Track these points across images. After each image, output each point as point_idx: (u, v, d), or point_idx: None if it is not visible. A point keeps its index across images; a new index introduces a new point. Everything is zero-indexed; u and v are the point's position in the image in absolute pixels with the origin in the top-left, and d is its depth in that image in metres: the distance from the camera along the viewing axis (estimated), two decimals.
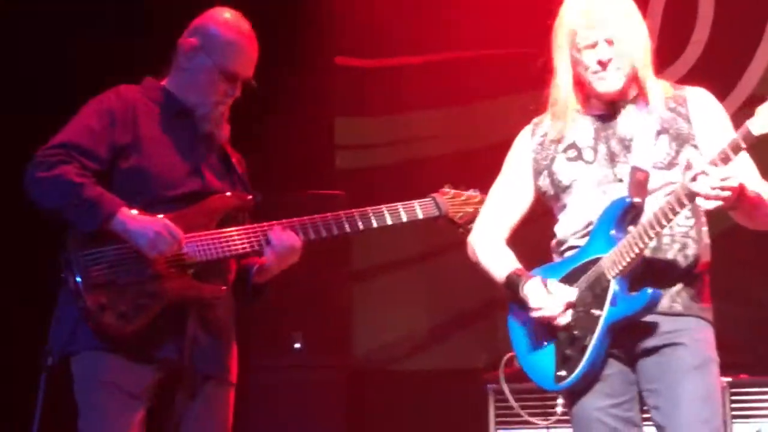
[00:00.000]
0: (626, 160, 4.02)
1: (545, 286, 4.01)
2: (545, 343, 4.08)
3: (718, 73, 4.49)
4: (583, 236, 4.06)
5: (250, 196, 4.31)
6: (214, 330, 4.21)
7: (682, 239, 4.00)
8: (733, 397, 5.49)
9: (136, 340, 4.01)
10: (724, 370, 4.29)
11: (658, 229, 3.85)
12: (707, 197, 3.71)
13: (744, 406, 5.52)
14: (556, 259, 4.15)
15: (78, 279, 3.97)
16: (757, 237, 4.57)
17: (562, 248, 4.13)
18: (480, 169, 6.79)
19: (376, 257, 6.98)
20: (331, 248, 5.97)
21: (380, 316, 6.97)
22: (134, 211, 4.04)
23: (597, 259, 3.97)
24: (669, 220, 3.83)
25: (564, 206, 4.14)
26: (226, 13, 4.35)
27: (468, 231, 4.40)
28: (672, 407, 3.92)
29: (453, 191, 4.52)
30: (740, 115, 3.93)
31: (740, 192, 3.73)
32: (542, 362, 4.09)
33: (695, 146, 4.01)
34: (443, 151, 7.15)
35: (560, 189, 4.13)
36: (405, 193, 6.81)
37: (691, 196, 3.74)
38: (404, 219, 4.41)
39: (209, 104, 4.26)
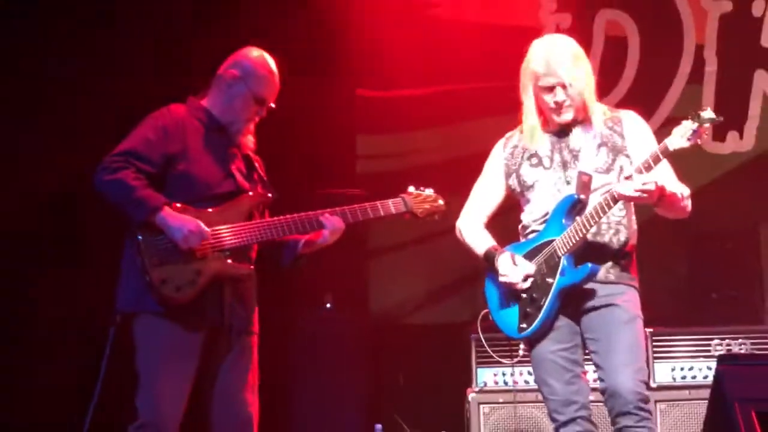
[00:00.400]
0: (574, 167, 4.10)
1: (512, 259, 4.12)
2: (511, 304, 4.17)
3: (643, 100, 4.56)
4: (542, 223, 4.16)
5: (270, 194, 4.28)
6: (244, 298, 4.21)
7: (616, 226, 4.09)
8: (654, 344, 5.47)
9: (189, 308, 4.01)
10: (647, 323, 4.32)
11: (597, 219, 3.97)
12: (630, 198, 3.86)
13: (662, 350, 5.49)
14: (522, 239, 4.25)
15: (146, 258, 3.97)
16: (672, 224, 4.61)
17: (526, 231, 4.23)
18: (466, 173, 6.92)
19: (387, 239, 6.99)
20: (352, 232, 6.02)
21: (390, 283, 6.98)
22: (177, 206, 4.02)
23: (551, 241, 4.08)
24: (605, 213, 3.95)
25: (528, 200, 4.23)
26: (257, 52, 4.31)
27: (426, 222, 4.49)
28: (607, 351, 4.01)
29: (415, 191, 4.46)
30: (661, 132, 3.99)
31: (660, 193, 3.85)
32: (508, 317, 4.18)
33: (627, 156, 4.08)
34: (439, 159, 7.15)
35: (525, 187, 4.22)
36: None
37: (620, 196, 3.87)
38: (381, 214, 4.36)
39: (242, 122, 4.26)
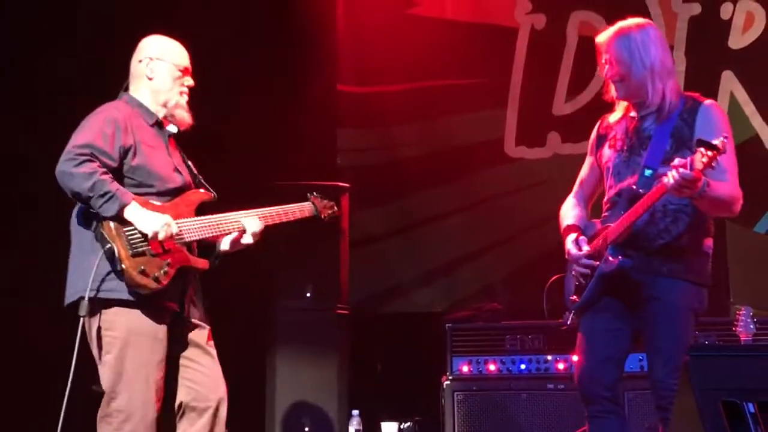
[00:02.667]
0: (642, 153, 4.04)
1: (575, 242, 4.13)
2: (572, 279, 4.19)
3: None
4: (609, 204, 4.13)
5: (212, 194, 4.23)
6: (197, 291, 4.21)
7: (674, 214, 4.02)
8: None
9: (156, 298, 3.98)
10: None
11: (642, 210, 3.91)
12: (673, 189, 3.77)
13: None
14: (603, 213, 4.18)
15: (120, 247, 3.89)
16: None
17: (604, 210, 4.18)
18: (445, 167, 6.95)
19: (366, 230, 7.00)
20: (331, 225, 5.98)
21: (369, 274, 6.96)
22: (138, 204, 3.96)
23: (607, 227, 4.07)
24: (649, 204, 3.89)
25: (606, 178, 4.20)
26: (153, 35, 4.28)
27: (329, 224, 4.61)
28: (651, 346, 4.02)
29: (319, 198, 4.48)
30: None
31: (701, 190, 3.77)
32: (570, 291, 4.20)
33: (690, 149, 3.88)
34: (418, 153, 7.18)
35: (602, 166, 4.20)
36: (388, 185, 6.95)
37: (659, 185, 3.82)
38: (295, 217, 4.37)
39: (177, 95, 4.21)
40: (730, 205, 4.03)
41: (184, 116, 4.24)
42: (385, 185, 7.12)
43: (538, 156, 7.01)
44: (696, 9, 6.92)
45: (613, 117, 4.21)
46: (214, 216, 4.17)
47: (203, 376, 4.12)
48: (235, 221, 4.19)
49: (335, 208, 4.53)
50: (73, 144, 3.94)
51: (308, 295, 6.06)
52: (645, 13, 6.96)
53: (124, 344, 3.97)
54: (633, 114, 4.12)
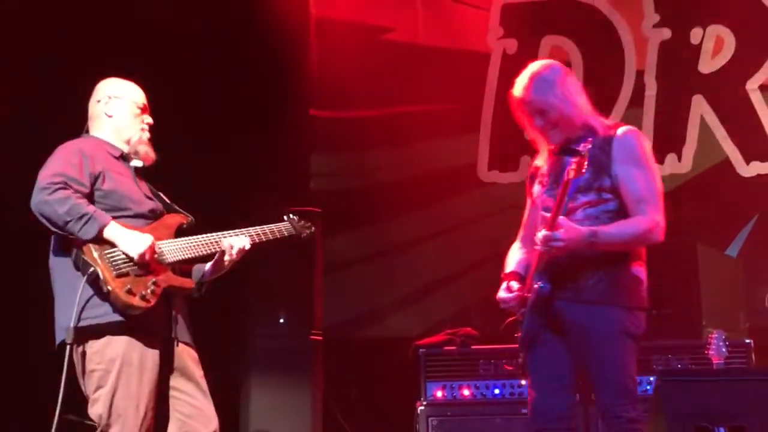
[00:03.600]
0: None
1: (507, 289, 4.16)
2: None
3: None
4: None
5: (189, 217, 4.22)
6: (183, 312, 4.18)
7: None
8: None
9: (145, 319, 3.93)
10: None
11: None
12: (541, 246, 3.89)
13: None
14: None
15: (104, 270, 3.86)
16: None
17: None
18: (418, 191, 6.96)
19: (339, 255, 6.99)
20: (305, 250, 5.98)
21: (343, 299, 6.95)
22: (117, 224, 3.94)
23: None
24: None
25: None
26: (110, 78, 4.28)
27: (304, 245, 4.62)
28: (591, 371, 4.00)
29: (297, 218, 4.43)
30: None
31: (574, 244, 3.86)
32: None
33: (610, 176, 3.98)
34: (391, 178, 7.18)
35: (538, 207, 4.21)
36: (362, 210, 6.94)
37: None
38: (278, 236, 4.34)
39: (138, 131, 4.20)
40: (643, 240, 4.04)
41: (148, 151, 4.24)
42: (358, 210, 7.11)
43: (510, 180, 7.02)
44: (666, 34, 6.98)
45: (540, 157, 4.24)
46: (195, 237, 4.15)
47: (196, 411, 4.09)
48: (216, 241, 4.16)
49: (312, 228, 4.49)
50: (44, 175, 3.93)
51: (282, 321, 6.03)
52: (615, 37, 7.03)
53: (115, 377, 3.92)
54: (555, 149, 4.13)
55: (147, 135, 4.24)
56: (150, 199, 4.17)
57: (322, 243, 6.22)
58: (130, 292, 3.88)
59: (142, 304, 3.90)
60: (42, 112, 6.11)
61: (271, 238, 4.31)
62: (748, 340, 5.42)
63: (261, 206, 5.71)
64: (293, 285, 6.02)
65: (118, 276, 3.88)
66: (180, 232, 4.16)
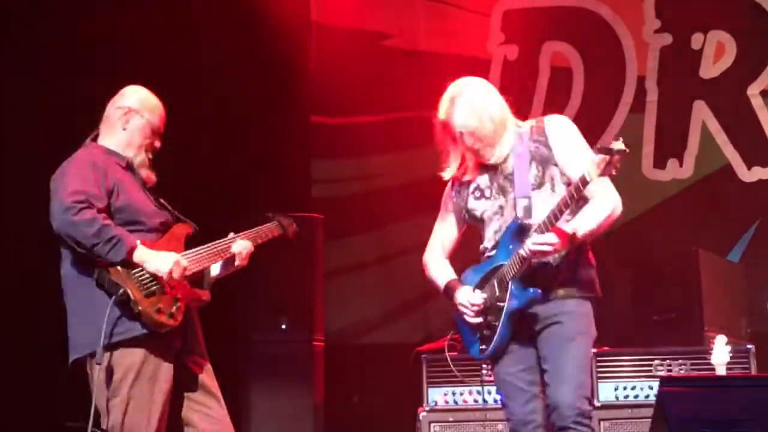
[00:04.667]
0: (512, 190, 4.08)
1: (468, 293, 4.14)
2: (473, 328, 4.16)
3: (587, 128, 4.55)
4: (494, 248, 4.14)
5: (194, 226, 4.20)
6: (197, 324, 4.18)
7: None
8: (598, 364, 5.40)
9: (165, 334, 3.93)
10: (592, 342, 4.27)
11: (527, 261, 3.96)
12: (534, 255, 3.90)
13: (606, 370, 5.43)
14: (481, 262, 4.22)
15: (132, 290, 3.85)
16: (616, 248, 4.45)
17: (484, 256, 4.22)
18: (418, 197, 6.97)
19: (341, 261, 6.99)
20: (307, 254, 5.97)
21: (346, 305, 6.96)
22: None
23: (501, 266, 4.07)
24: (526, 261, 3.95)
25: (482, 229, 4.23)
26: (140, 87, 4.24)
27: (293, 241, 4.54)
28: (552, 369, 4.00)
29: (284, 217, 4.46)
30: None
31: (563, 246, 3.90)
32: (473, 341, 4.19)
33: (556, 165, 4.03)
34: (392, 184, 7.17)
35: (476, 219, 4.23)
36: (363, 216, 6.94)
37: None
38: (267, 238, 4.35)
39: (144, 153, 4.17)
40: (613, 219, 4.04)
41: (149, 174, 4.20)
42: (359, 216, 7.12)
43: None
44: (667, 39, 6.99)
45: (467, 173, 4.21)
46: (207, 246, 4.14)
47: (214, 422, 4.09)
48: (227, 246, 4.17)
49: (294, 225, 4.48)
50: (65, 193, 3.87)
51: (283, 327, 6.03)
52: (616, 43, 7.04)
53: (128, 388, 3.90)
54: (489, 162, 4.13)
55: (149, 157, 4.19)
56: (159, 209, 4.15)
57: (323, 249, 6.22)
58: (159, 311, 3.88)
59: (171, 322, 3.91)
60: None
61: (265, 240, 4.33)
62: (749, 346, 5.41)
63: (262, 213, 5.72)
64: (295, 291, 6.03)
65: (147, 296, 3.88)
66: (187, 242, 4.15)
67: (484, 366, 5.60)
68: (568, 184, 3.98)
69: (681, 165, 6.92)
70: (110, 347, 3.90)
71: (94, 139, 4.19)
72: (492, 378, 5.50)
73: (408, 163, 7.14)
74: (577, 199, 3.86)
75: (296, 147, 7.05)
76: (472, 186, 4.21)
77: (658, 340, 5.69)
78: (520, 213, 4.03)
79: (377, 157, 7.24)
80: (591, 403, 4.05)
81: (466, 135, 4.07)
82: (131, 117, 4.15)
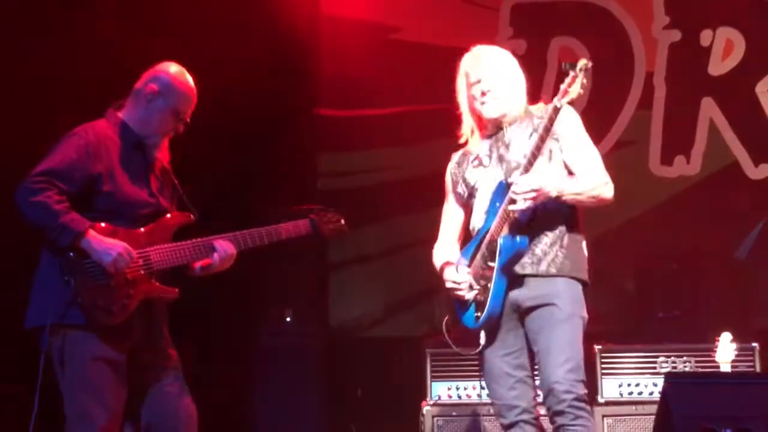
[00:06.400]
0: (508, 158, 4.10)
1: (456, 268, 4.15)
2: (468, 301, 4.14)
3: (595, 123, 4.57)
4: (488, 213, 4.13)
5: (191, 215, 4.15)
6: (165, 318, 4.13)
7: (553, 214, 4.03)
8: (603, 360, 5.44)
9: (119, 326, 3.90)
10: (597, 339, 4.29)
11: (512, 209, 3.94)
12: (518, 197, 3.89)
13: (610, 366, 5.47)
14: (472, 238, 4.23)
15: (76, 279, 3.84)
16: (620, 244, 4.46)
17: (474, 232, 4.22)
18: (425, 191, 6.95)
19: (347, 254, 6.99)
20: (313, 249, 5.98)
21: (349, 298, 6.96)
22: (102, 226, 3.90)
23: (488, 229, 4.06)
24: (510, 211, 3.94)
25: (473, 204, 4.22)
26: (176, 67, 4.19)
27: (329, 240, 4.51)
28: (544, 352, 3.99)
29: (321, 212, 4.34)
30: (611, 155, 3.95)
31: (546, 195, 3.89)
32: (469, 314, 4.14)
33: (557, 140, 4.05)
34: (398, 177, 7.16)
35: (471, 189, 4.22)
36: (369, 209, 6.94)
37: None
38: (286, 236, 4.24)
39: (159, 136, 4.14)
40: (601, 192, 4.04)
41: (161, 156, 4.16)
42: (365, 209, 7.11)
43: None
44: (676, 36, 6.99)
45: (471, 145, 4.25)
46: (188, 242, 4.08)
47: (168, 400, 4.02)
48: (209, 246, 4.10)
49: (342, 221, 4.38)
50: (34, 171, 3.88)
51: (288, 319, 6.04)
52: (625, 39, 7.03)
53: (82, 370, 3.89)
54: (488, 133, 4.18)
55: (165, 140, 4.16)
56: (153, 196, 4.09)
57: (328, 242, 6.21)
58: (98, 306, 3.85)
59: (110, 319, 3.87)
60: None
61: (283, 238, 4.22)
62: (754, 344, 5.42)
63: (268, 205, 5.73)
64: (300, 283, 6.06)
65: (91, 288, 3.85)
66: (181, 232, 4.11)
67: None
68: (565, 168, 4.03)
69: (688, 162, 6.92)
70: (64, 329, 3.88)
71: (118, 109, 4.16)
72: None
73: (415, 157, 7.14)
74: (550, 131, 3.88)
75: (303, 140, 7.03)
76: (472, 155, 4.23)
77: (663, 337, 5.70)
78: (508, 175, 4.03)
79: (384, 150, 7.23)
80: (586, 385, 4.01)
81: (480, 84, 4.12)
82: (154, 98, 4.12)
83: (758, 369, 5.34)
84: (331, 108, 7.26)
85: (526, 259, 4.01)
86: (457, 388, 5.62)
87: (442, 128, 7.06)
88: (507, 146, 4.12)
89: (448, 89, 6.94)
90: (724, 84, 6.90)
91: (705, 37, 6.92)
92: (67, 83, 6.06)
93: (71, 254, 3.84)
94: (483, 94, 4.12)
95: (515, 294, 4.03)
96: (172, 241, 4.07)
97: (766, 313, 6.23)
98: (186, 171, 4.36)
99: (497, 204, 4.03)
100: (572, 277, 4.04)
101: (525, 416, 4.06)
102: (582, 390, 3.96)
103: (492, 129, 4.18)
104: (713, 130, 6.90)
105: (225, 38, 6.77)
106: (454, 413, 5.55)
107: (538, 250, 4.02)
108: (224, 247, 4.11)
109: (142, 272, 3.94)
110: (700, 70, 6.92)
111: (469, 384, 5.59)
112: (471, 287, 4.09)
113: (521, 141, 4.09)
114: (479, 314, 4.07)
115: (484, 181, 4.16)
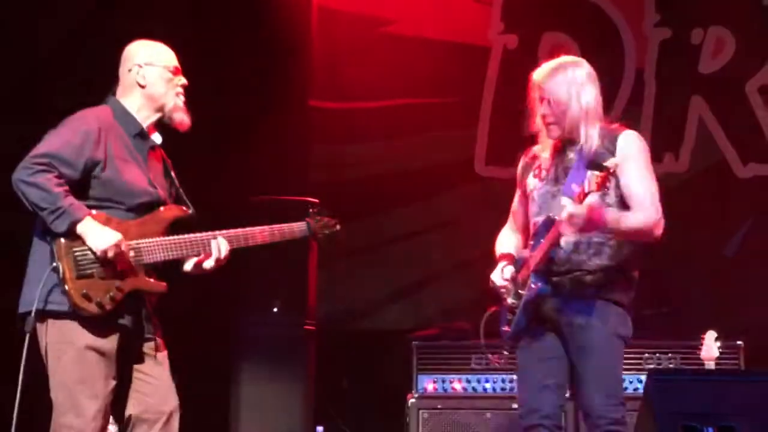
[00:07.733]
0: (563, 183, 4.04)
1: (501, 270, 4.18)
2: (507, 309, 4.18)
3: None
4: (535, 234, 4.13)
5: (189, 210, 4.07)
6: (154, 309, 4.07)
7: (597, 246, 4.03)
8: None
9: (107, 316, 3.84)
10: None
11: (552, 243, 3.96)
12: (565, 225, 3.87)
13: None
14: (530, 242, 4.19)
15: (66, 267, 3.78)
16: None
17: (530, 238, 4.19)
18: (415, 184, 6.97)
19: (335, 248, 6.93)
20: (301, 240, 5.96)
21: (338, 290, 6.95)
22: (94, 214, 3.82)
23: (532, 255, 4.08)
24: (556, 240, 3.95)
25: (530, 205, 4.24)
26: (137, 40, 4.14)
27: (324, 245, 4.54)
28: (581, 373, 4.01)
29: (317, 216, 4.30)
30: None
31: (587, 225, 3.85)
32: (504, 321, 4.19)
33: (614, 175, 3.93)
34: (388, 170, 7.17)
35: (529, 195, 4.22)
36: (359, 202, 6.94)
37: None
38: (281, 238, 4.19)
39: (173, 97, 4.07)
40: (646, 233, 4.06)
41: (183, 118, 4.10)
42: (355, 202, 7.10)
43: (508, 176, 7.01)
44: (667, 33, 7.00)
45: (540, 147, 4.22)
46: (182, 236, 4.01)
47: (153, 388, 3.98)
48: (203, 243, 4.03)
49: (337, 226, 4.36)
50: (34, 152, 3.83)
51: (275, 310, 6.02)
52: (616, 36, 7.04)
53: (71, 359, 3.84)
54: (558, 145, 4.14)
55: (182, 99, 4.10)
56: (153, 186, 4.03)
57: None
58: (85, 296, 3.78)
59: (96, 310, 3.81)
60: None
61: (276, 239, 4.18)
62: (739, 342, 5.44)
63: (260, 197, 5.72)
64: (288, 274, 6.00)
65: (80, 277, 3.79)
66: (176, 225, 4.03)
67: (473, 355, 5.65)
68: (620, 198, 4.01)
69: (677, 159, 6.93)
70: (51, 315, 3.85)
71: (114, 94, 4.10)
72: (481, 367, 5.65)
73: (406, 151, 7.16)
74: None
75: (294, 131, 7.01)
76: (537, 162, 4.20)
77: (649, 335, 5.70)
78: (559, 210, 3.97)
79: (376, 144, 7.22)
80: (624, 406, 4.02)
81: (547, 103, 4.05)
82: (144, 71, 4.06)
83: (743, 367, 5.36)
84: (324, 100, 7.24)
85: (566, 278, 4.01)
86: (443, 381, 5.64)
87: (432, 122, 7.15)
88: (565, 171, 4.07)
89: (439, 83, 7.02)
90: (714, 82, 6.91)
91: (696, 35, 6.93)
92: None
93: (62, 240, 3.80)
94: (542, 116, 4.09)
95: (555, 309, 4.04)
96: (167, 234, 4.00)
97: (752, 311, 6.24)
98: (176, 163, 4.32)
99: (541, 239, 4.03)
100: (612, 302, 4.04)
101: (545, 422, 4.05)
102: (619, 414, 3.98)
103: (562, 140, 4.12)
104: (702, 127, 6.91)
105: (216, 29, 6.76)
106: (439, 406, 5.57)
107: (578, 269, 4.02)
108: (219, 246, 4.04)
109: (132, 264, 3.89)
110: (690, 68, 6.93)
111: (455, 377, 5.61)
112: (509, 293, 4.12)
113: (579, 172, 3.98)
114: (506, 329, 4.14)
115: (538, 193, 4.15)
